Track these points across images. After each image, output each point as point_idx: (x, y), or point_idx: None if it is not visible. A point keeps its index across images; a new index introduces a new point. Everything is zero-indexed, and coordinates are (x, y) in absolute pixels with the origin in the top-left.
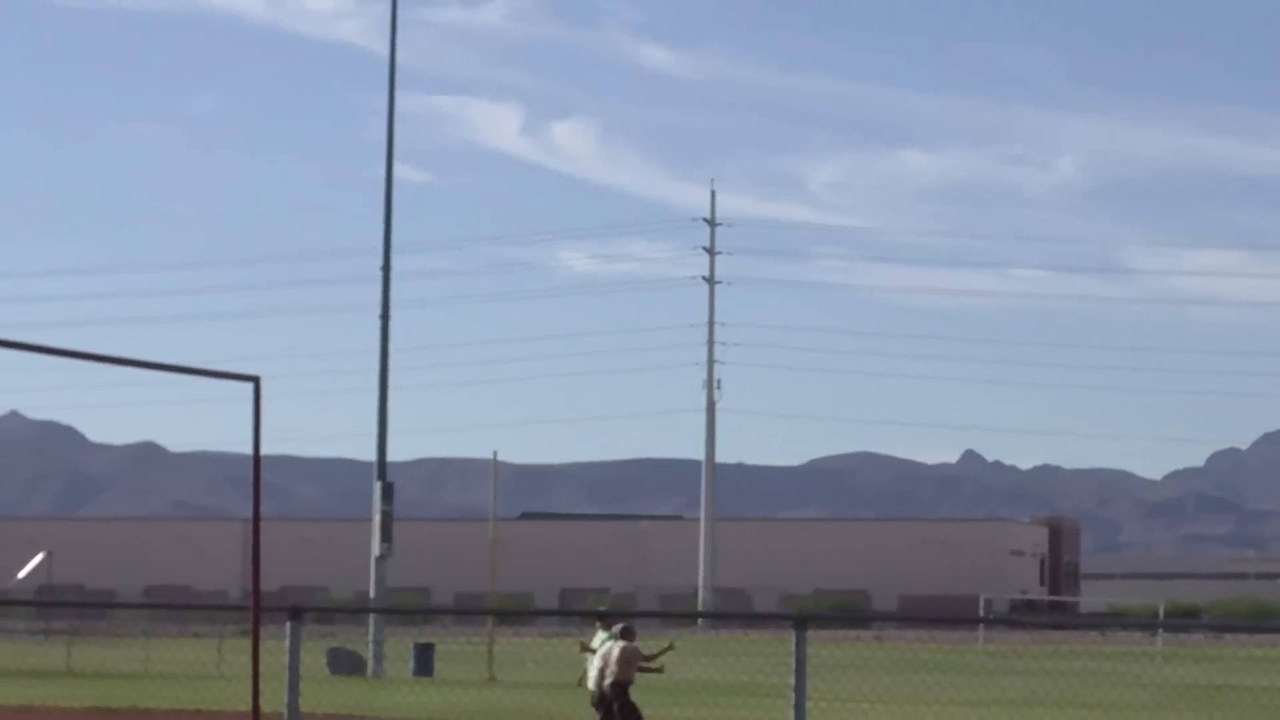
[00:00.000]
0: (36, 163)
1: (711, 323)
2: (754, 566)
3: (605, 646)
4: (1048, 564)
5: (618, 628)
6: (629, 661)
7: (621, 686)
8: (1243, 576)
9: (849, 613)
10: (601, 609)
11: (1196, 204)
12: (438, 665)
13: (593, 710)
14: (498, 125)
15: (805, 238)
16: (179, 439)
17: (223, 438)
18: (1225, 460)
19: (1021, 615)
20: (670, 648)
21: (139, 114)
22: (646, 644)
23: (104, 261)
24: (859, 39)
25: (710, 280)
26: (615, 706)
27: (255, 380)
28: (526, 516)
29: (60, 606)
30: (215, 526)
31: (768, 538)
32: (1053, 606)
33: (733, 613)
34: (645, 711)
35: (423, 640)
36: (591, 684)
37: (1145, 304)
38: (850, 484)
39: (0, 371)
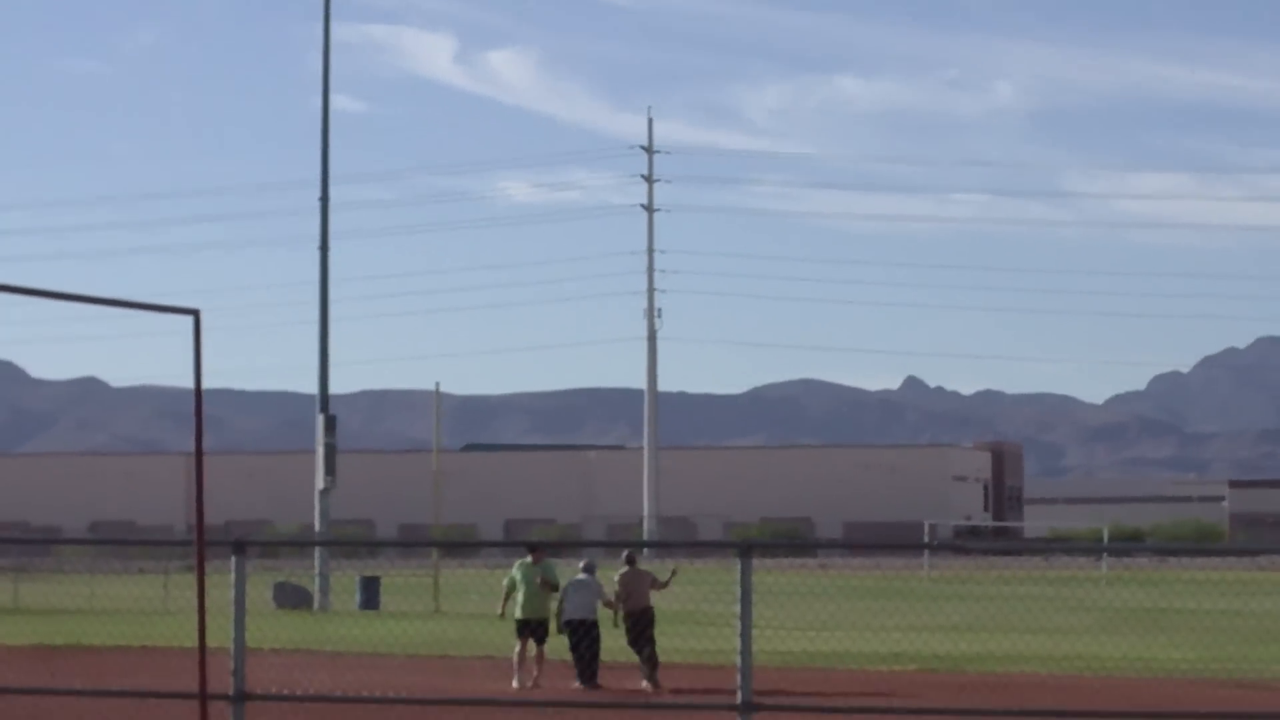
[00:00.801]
0: None
1: (651, 251)
2: (698, 495)
3: (624, 573)
4: (991, 489)
5: (623, 555)
6: (650, 588)
7: (651, 611)
8: (1185, 500)
9: (793, 540)
10: (533, 540)
11: (1138, 128)
12: (383, 598)
13: (519, 636)
14: (433, 55)
15: (746, 165)
16: (121, 373)
17: (165, 371)
18: (1166, 383)
19: (965, 541)
20: (675, 572)
21: (75, 49)
22: (607, 574)
23: (42, 197)
24: None
25: (649, 208)
26: (642, 630)
27: (195, 314)
28: (470, 448)
29: (4, 543)
30: (158, 461)
31: (712, 466)
32: (997, 532)
33: (677, 542)
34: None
35: (368, 573)
36: (574, 613)
37: (1086, 228)
38: (793, 411)
39: None
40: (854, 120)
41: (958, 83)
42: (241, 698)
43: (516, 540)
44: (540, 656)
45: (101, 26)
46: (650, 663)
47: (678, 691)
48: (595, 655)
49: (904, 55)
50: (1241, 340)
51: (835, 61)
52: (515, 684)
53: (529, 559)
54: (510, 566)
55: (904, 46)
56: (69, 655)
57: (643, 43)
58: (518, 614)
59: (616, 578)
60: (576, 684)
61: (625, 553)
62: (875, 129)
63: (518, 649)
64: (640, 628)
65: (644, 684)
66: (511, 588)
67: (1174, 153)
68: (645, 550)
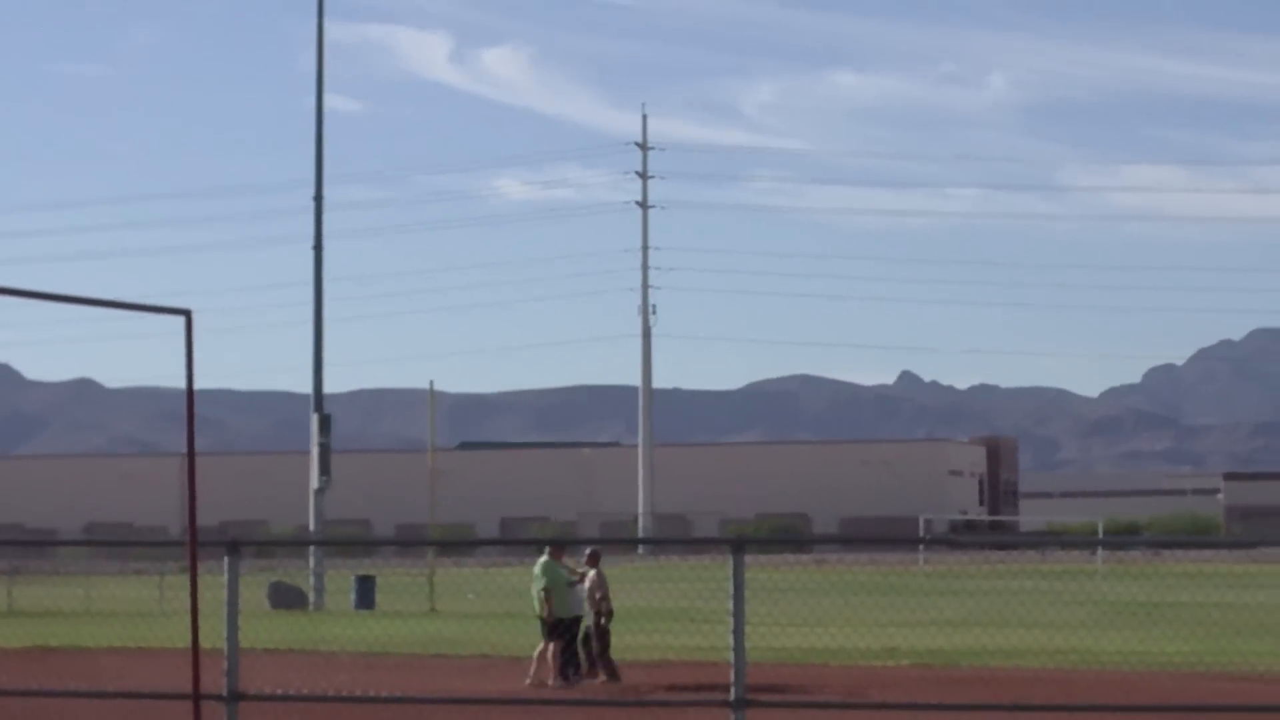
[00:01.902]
0: None
1: (645, 248)
2: (694, 492)
3: (597, 573)
4: (986, 483)
5: (589, 552)
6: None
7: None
8: (1181, 493)
9: (787, 535)
10: (554, 538)
11: (1132, 121)
12: (379, 597)
13: (544, 637)
14: (428, 54)
15: (741, 161)
16: (116, 375)
17: (160, 372)
18: (1162, 376)
19: (961, 535)
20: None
21: (68, 50)
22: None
23: (37, 198)
24: None
25: (644, 205)
26: (606, 634)
27: (187, 314)
28: (465, 446)
29: (0, 545)
30: (154, 462)
31: (707, 463)
32: (992, 526)
33: (671, 538)
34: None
35: (364, 573)
36: (573, 610)
37: (1081, 221)
38: (788, 407)
39: None
40: (849, 115)
41: (953, 77)
42: (235, 698)
43: (513, 539)
44: (550, 655)
45: (94, 27)
46: (609, 658)
47: (672, 688)
48: (577, 651)
49: (899, 50)
50: (1237, 333)
51: (830, 56)
52: (532, 680)
53: (547, 558)
54: (507, 565)
55: (899, 41)
56: (65, 657)
57: (637, 39)
58: (552, 613)
59: (594, 575)
60: (557, 681)
61: (591, 550)
62: (870, 124)
63: (543, 648)
64: (608, 626)
65: (603, 678)
66: (552, 586)
67: (1169, 145)
68: (640, 547)
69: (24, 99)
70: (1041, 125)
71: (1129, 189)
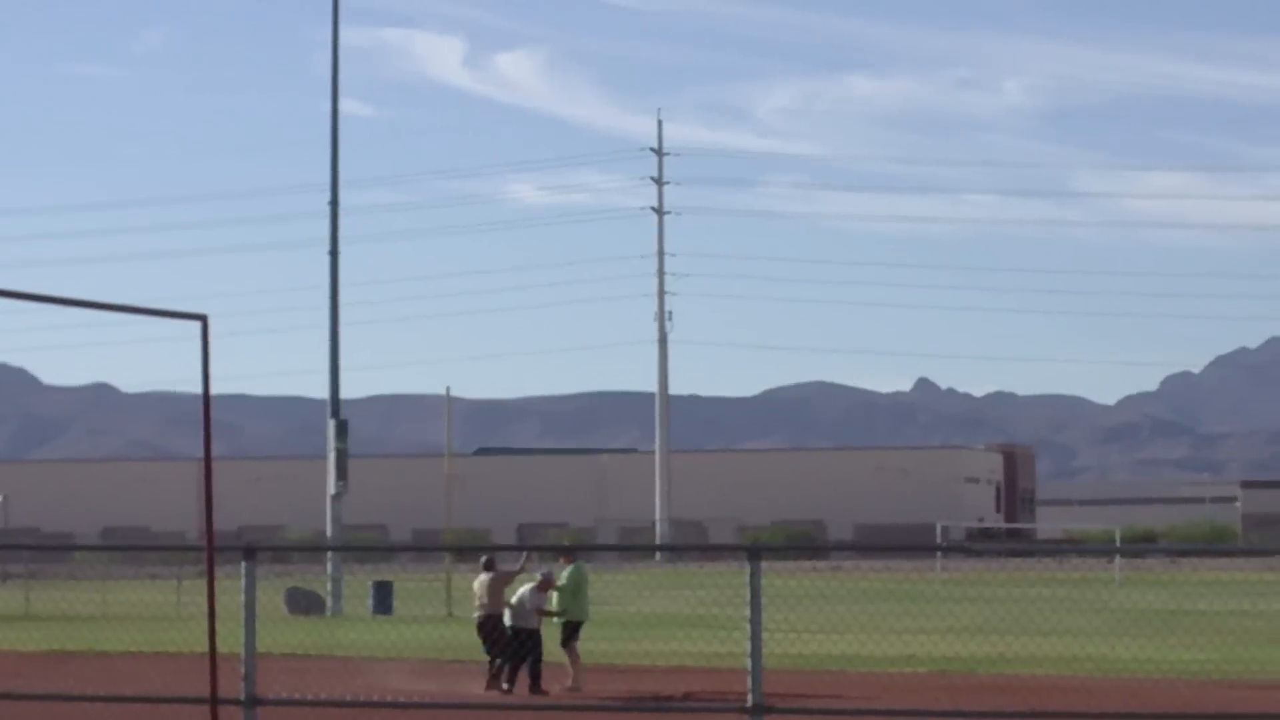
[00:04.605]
0: None
1: (661, 253)
2: (710, 498)
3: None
4: (1003, 491)
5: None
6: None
7: None
8: (1198, 500)
9: (803, 543)
10: (566, 544)
11: (1149, 126)
12: (396, 603)
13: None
14: (442, 58)
15: (756, 166)
16: (132, 380)
17: (177, 377)
18: (1178, 384)
19: (977, 543)
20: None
21: (82, 53)
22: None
23: (52, 201)
24: None
25: (659, 211)
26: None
27: (202, 319)
28: (482, 452)
29: (17, 550)
30: (171, 467)
31: (723, 469)
32: (1009, 533)
33: (686, 545)
34: (605, 646)
35: (381, 578)
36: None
37: (1098, 227)
38: (805, 414)
39: None
40: (864, 120)
41: (968, 82)
42: (253, 702)
43: (530, 545)
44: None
45: (108, 30)
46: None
47: (689, 695)
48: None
49: (914, 54)
50: (1253, 340)
51: (845, 61)
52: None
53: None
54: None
55: (914, 45)
56: (82, 661)
57: (651, 43)
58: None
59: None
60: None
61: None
62: (886, 129)
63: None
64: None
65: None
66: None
67: (1185, 151)
68: (657, 554)
69: (38, 101)
70: (1057, 130)
71: (1145, 195)
